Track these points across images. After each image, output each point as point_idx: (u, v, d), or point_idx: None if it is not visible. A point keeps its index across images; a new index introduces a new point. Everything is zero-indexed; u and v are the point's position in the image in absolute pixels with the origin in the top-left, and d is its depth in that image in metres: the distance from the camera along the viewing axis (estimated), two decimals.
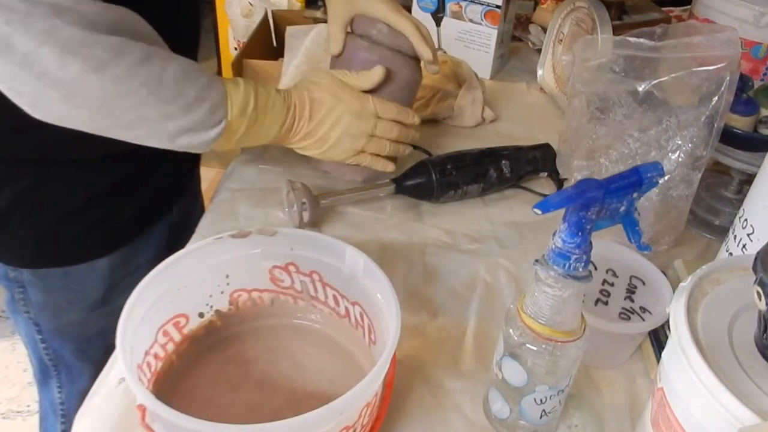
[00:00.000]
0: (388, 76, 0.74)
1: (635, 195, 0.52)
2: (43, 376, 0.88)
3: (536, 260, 0.46)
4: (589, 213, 0.44)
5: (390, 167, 0.77)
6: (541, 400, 0.50)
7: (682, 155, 0.69)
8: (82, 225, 0.73)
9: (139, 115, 0.56)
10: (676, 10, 1.24)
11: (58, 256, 0.74)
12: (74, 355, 0.83)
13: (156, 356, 0.52)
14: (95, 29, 0.52)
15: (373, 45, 0.75)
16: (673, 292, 0.49)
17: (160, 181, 0.78)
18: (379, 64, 0.73)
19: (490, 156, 0.83)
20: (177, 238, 0.78)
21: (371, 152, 0.74)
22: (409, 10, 1.18)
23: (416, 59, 0.78)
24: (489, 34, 1.12)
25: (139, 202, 0.76)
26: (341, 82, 0.71)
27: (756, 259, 0.41)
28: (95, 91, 0.53)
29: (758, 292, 0.40)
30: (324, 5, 0.85)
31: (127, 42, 0.54)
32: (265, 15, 1.45)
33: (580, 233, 0.44)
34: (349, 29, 0.78)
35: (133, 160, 0.73)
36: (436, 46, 1.17)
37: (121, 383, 0.55)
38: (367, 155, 0.74)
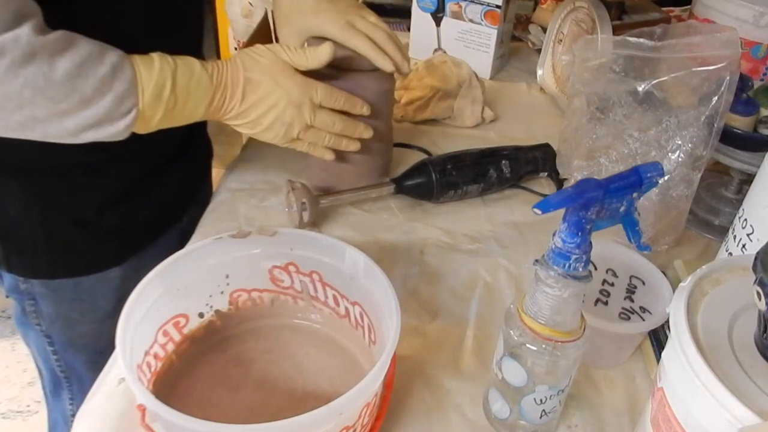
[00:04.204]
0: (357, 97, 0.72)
1: (635, 195, 0.52)
2: (54, 387, 0.87)
3: (536, 260, 0.46)
4: (589, 213, 0.44)
5: (328, 155, 0.73)
6: (541, 400, 0.50)
7: (682, 155, 0.69)
8: (93, 234, 0.72)
9: (29, 116, 0.53)
10: (676, 10, 1.24)
11: (69, 266, 0.73)
12: (86, 367, 0.83)
13: (156, 356, 0.52)
14: None
15: (332, 71, 0.71)
16: (673, 292, 0.49)
17: (171, 185, 0.78)
18: (342, 88, 0.70)
19: (490, 156, 0.83)
20: None
21: (309, 141, 0.71)
22: (409, 10, 1.18)
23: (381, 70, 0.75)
24: (489, 34, 1.12)
25: (151, 208, 0.76)
26: (284, 63, 0.67)
27: (756, 259, 0.41)
28: None
29: (758, 292, 0.40)
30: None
31: (8, 41, 0.49)
32: (265, 15, 1.45)
33: (580, 233, 0.44)
34: None
35: (142, 163, 0.72)
36: (436, 46, 1.17)
37: (121, 383, 0.56)
38: (303, 142, 0.71)
